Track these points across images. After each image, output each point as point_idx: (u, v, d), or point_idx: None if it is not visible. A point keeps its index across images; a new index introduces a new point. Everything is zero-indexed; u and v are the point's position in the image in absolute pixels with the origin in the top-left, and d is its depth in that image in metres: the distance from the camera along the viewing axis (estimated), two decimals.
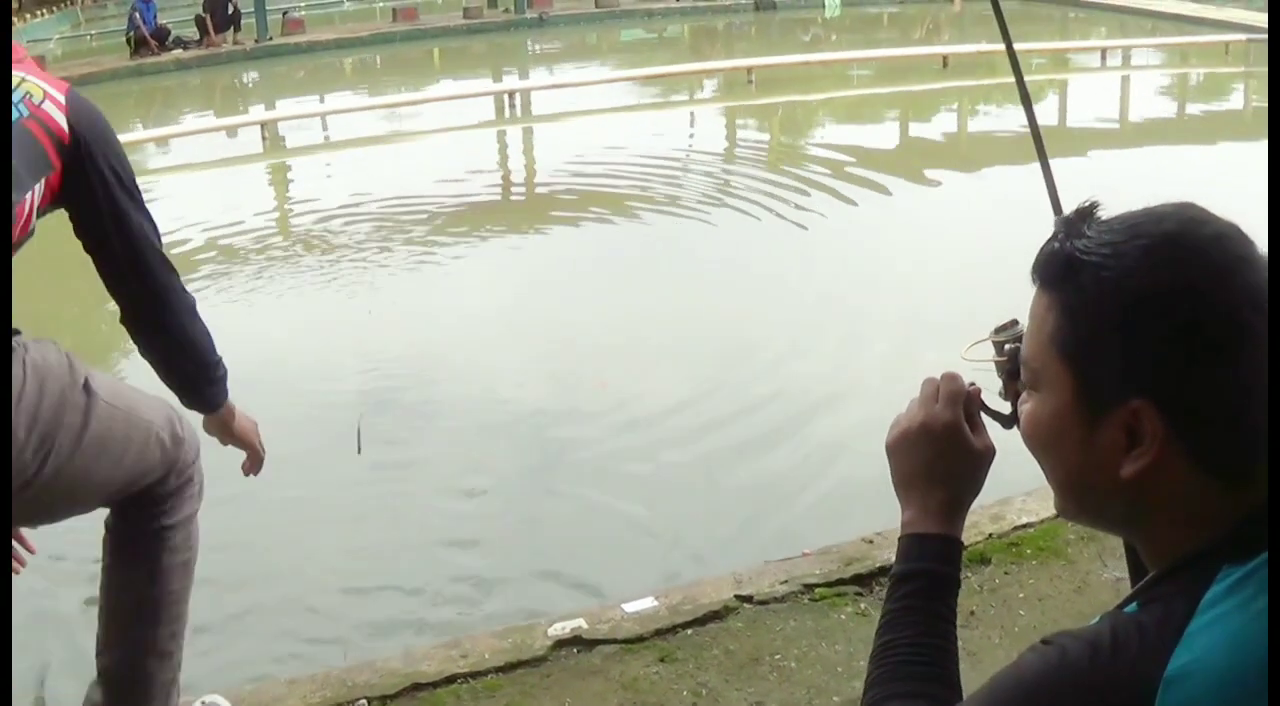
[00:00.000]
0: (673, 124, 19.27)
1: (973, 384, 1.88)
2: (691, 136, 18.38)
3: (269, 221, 13.74)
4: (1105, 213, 1.58)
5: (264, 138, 17.66)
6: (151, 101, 23.54)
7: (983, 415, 1.88)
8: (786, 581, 4.67)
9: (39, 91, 2.95)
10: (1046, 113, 20.03)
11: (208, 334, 3.35)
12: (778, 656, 4.25)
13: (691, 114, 20.32)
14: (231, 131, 18.65)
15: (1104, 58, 24.23)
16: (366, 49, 28.64)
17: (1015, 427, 1.74)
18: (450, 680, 4.16)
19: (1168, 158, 16.04)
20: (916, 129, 18.38)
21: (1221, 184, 12.70)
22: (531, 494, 6.77)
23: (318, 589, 5.76)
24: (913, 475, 1.88)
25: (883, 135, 17.56)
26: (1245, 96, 20.88)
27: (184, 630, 3.52)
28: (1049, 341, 1.56)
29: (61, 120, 2.95)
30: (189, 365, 3.35)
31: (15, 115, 2.87)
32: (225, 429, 3.57)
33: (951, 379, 1.89)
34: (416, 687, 4.14)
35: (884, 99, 20.46)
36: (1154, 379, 1.48)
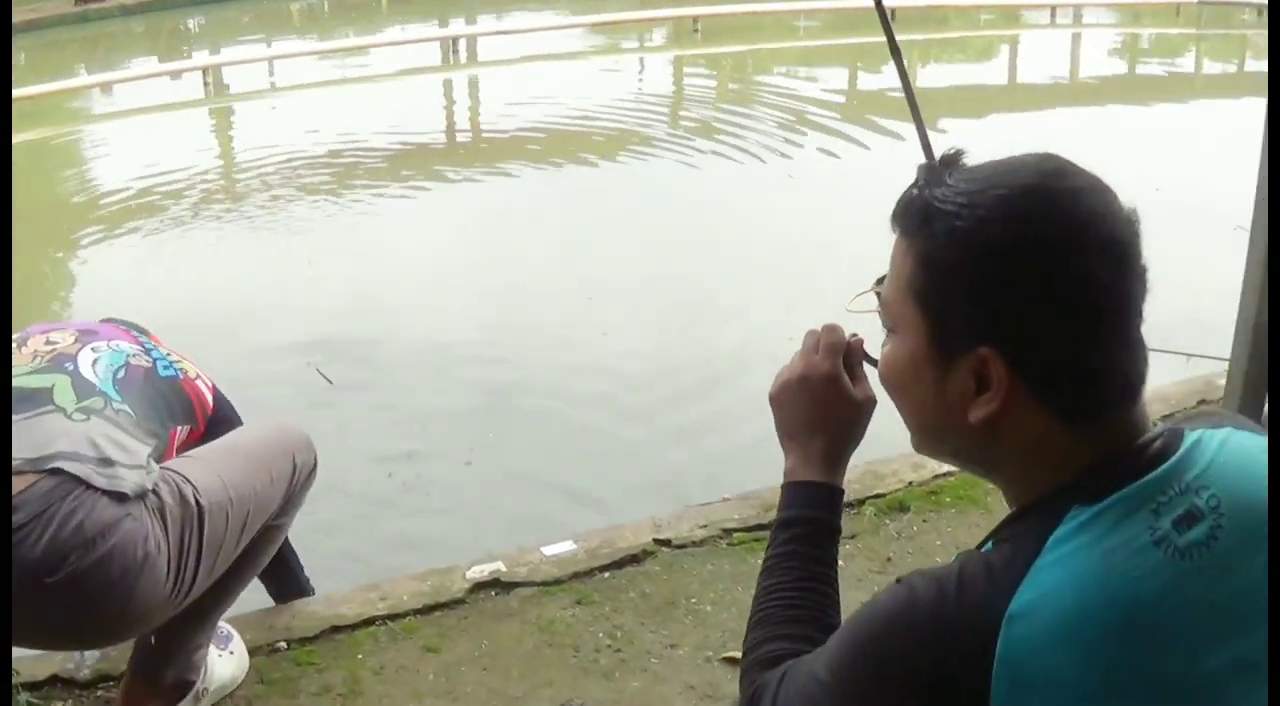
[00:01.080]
0: (620, 71, 19.24)
1: (855, 335, 1.93)
2: (639, 83, 18.35)
3: (211, 167, 13.61)
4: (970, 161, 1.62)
5: (206, 84, 17.50)
6: (95, 47, 23.28)
7: (865, 365, 1.92)
8: (705, 526, 4.69)
9: (193, 370, 3.72)
10: (996, 70, 20.10)
11: None
12: (693, 600, 4.28)
13: (641, 61, 20.29)
14: (175, 76, 18.47)
15: (1054, 15, 24.26)
16: None
17: None
18: (369, 622, 4.18)
19: (1113, 117, 16.09)
20: (864, 81, 18.35)
21: (1163, 144, 12.82)
22: (469, 437, 6.75)
23: None
24: (794, 425, 1.94)
25: (830, 86, 17.56)
26: (1196, 59, 20.98)
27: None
28: (905, 287, 1.60)
29: (209, 399, 3.71)
30: None
31: (172, 373, 3.60)
32: None
33: (831, 330, 1.94)
34: (335, 630, 4.14)
35: (831, 50, 20.36)
36: (1001, 328, 1.52)
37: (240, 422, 3.80)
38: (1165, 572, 1.45)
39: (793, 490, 1.93)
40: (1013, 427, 1.55)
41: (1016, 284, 1.50)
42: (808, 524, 1.90)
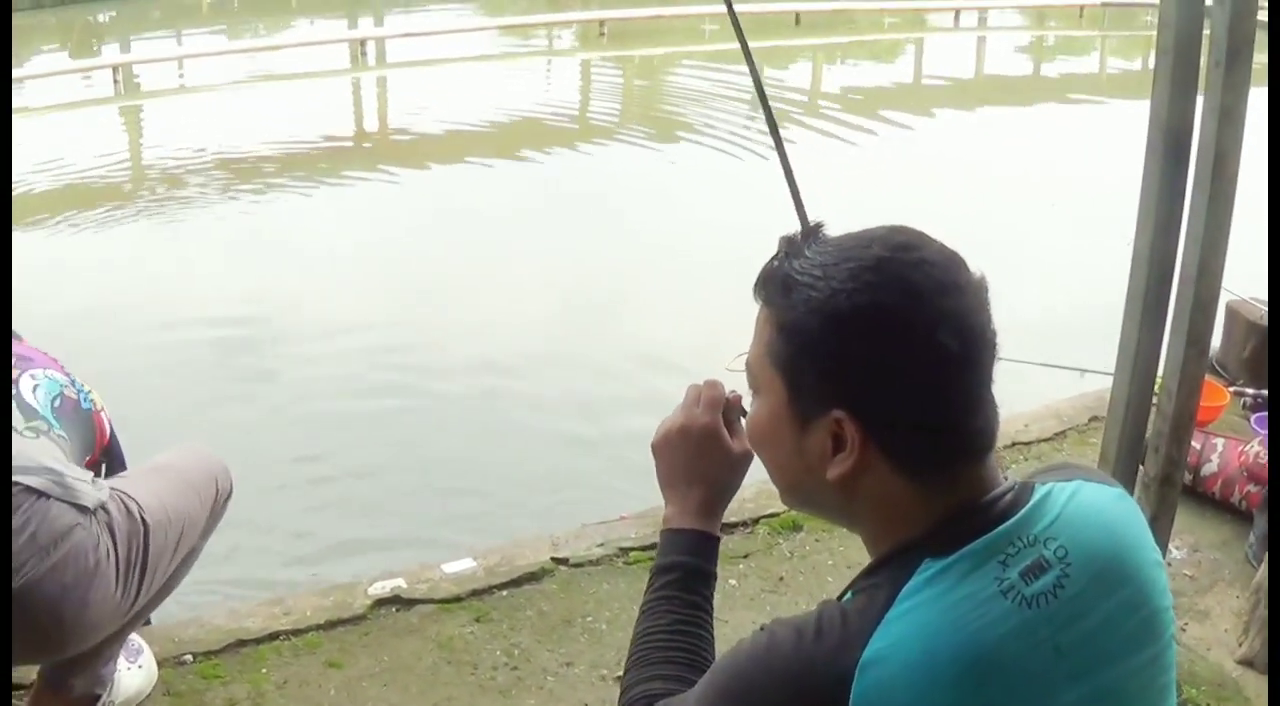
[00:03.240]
0: (528, 73, 19.23)
1: (734, 391, 2.02)
2: (546, 86, 18.38)
3: (120, 165, 13.63)
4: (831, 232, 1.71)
5: (116, 82, 17.34)
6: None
7: (743, 421, 2.01)
8: (602, 544, 4.82)
9: (100, 402, 3.75)
10: (901, 71, 20.28)
11: None
12: (589, 618, 4.40)
13: (548, 63, 20.30)
14: (86, 74, 18.32)
15: (957, 18, 24.49)
16: None
17: None
18: (273, 636, 4.27)
19: (1017, 119, 16.30)
20: (770, 85, 18.48)
21: (1068, 147, 12.99)
22: (371, 445, 6.84)
23: None
24: (673, 475, 2.03)
25: (735, 89, 17.67)
26: (1100, 59, 21.23)
27: None
28: (766, 353, 1.71)
29: (108, 431, 3.76)
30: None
31: (88, 407, 3.65)
32: None
33: (713, 386, 2.04)
34: (240, 643, 4.23)
35: (736, 53, 20.29)
36: (853, 392, 1.63)
37: (123, 456, 3.89)
38: (1011, 620, 1.56)
39: (671, 537, 2.02)
40: (868, 484, 1.66)
41: (866, 351, 1.61)
42: (684, 569, 1.99)
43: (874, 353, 1.61)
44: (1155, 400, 3.89)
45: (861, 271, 1.62)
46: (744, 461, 2.03)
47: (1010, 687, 1.56)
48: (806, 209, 2.88)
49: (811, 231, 1.73)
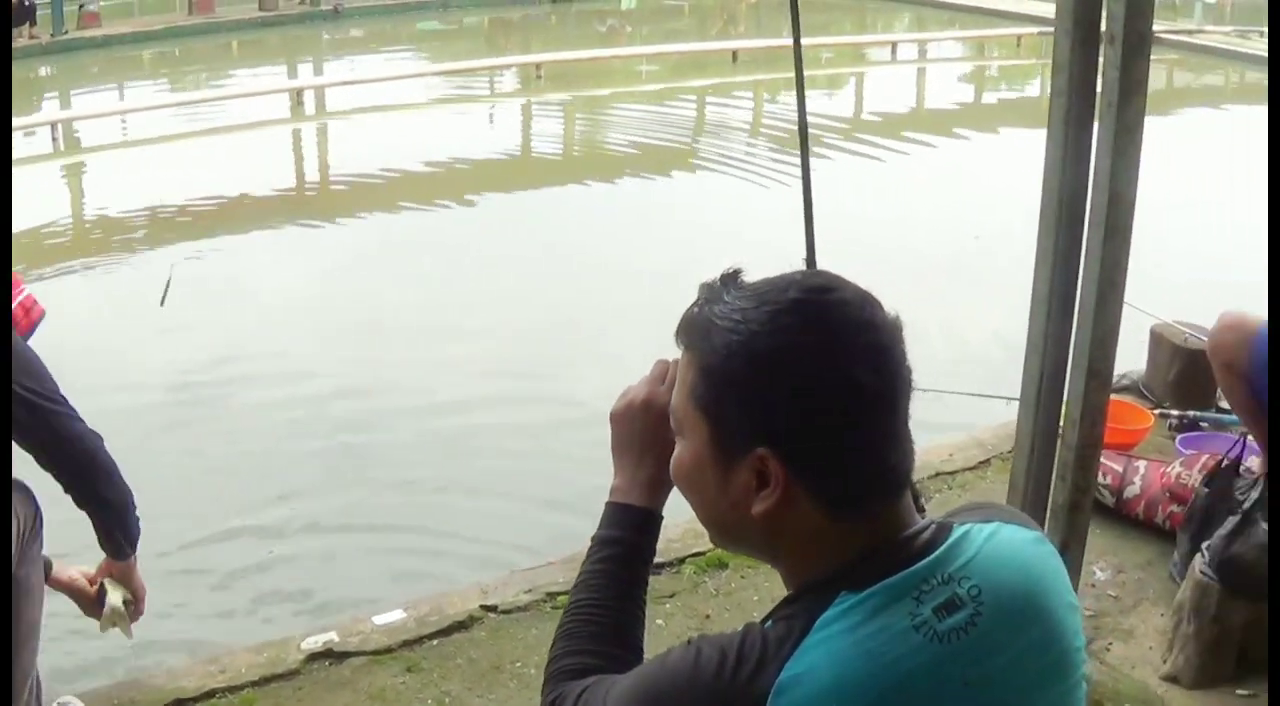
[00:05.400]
0: (467, 118, 19.26)
1: None
2: (488, 129, 18.43)
3: (61, 222, 13.63)
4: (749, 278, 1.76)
5: (54, 140, 17.34)
6: None
7: None
8: (530, 590, 4.85)
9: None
10: (841, 105, 20.42)
11: (124, 490, 3.69)
12: (518, 664, 4.44)
13: (489, 108, 20.32)
14: (29, 130, 18.28)
15: (894, 51, 24.70)
16: (163, 43, 27.91)
17: None
18: (210, 695, 4.29)
19: (956, 149, 16.45)
20: (710, 122, 18.57)
21: (999, 177, 13.11)
22: (302, 497, 6.87)
23: None
24: (628, 445, 2.05)
25: (673, 128, 17.79)
26: (1041, 86, 21.38)
27: None
28: (689, 395, 1.76)
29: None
30: (109, 516, 3.70)
31: None
32: (128, 576, 3.86)
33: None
34: (179, 702, 4.26)
35: (672, 92, 20.59)
36: (775, 430, 1.67)
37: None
38: (922, 654, 1.62)
39: (616, 510, 2.04)
40: (791, 520, 1.70)
41: (786, 389, 1.65)
42: (623, 545, 2.01)
43: (795, 390, 1.65)
44: (1061, 430, 3.95)
45: (780, 313, 1.68)
46: None
47: None
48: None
49: (731, 277, 1.78)
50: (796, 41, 3.12)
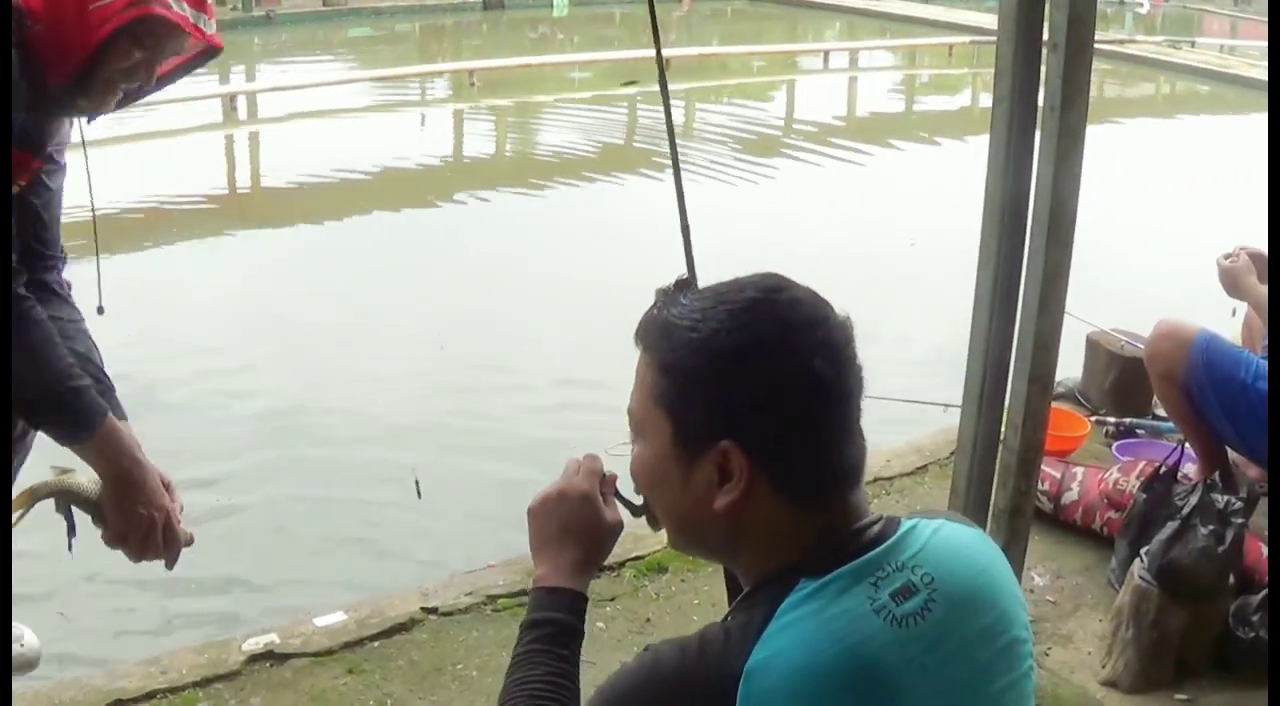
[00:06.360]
0: (401, 125, 19.17)
1: (612, 473, 2.13)
2: (420, 137, 18.39)
3: None
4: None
5: None
6: None
7: (616, 500, 2.12)
8: (471, 593, 4.84)
9: None
10: (774, 113, 20.50)
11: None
12: (459, 666, 4.43)
13: (422, 115, 20.20)
14: None
15: (826, 59, 24.81)
16: None
17: (644, 517, 2.03)
18: (150, 695, 4.25)
19: (889, 156, 16.53)
20: (641, 127, 18.61)
21: (942, 179, 13.19)
22: (247, 495, 6.82)
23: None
24: (548, 536, 2.11)
25: (607, 134, 17.81)
26: (972, 95, 21.52)
27: None
28: (649, 395, 1.82)
29: None
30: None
31: None
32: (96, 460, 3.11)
33: (592, 458, 2.15)
34: (119, 703, 4.22)
35: (606, 98, 20.51)
36: (737, 422, 1.73)
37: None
38: (885, 636, 1.66)
39: (542, 594, 2.08)
40: (752, 512, 1.76)
41: (747, 382, 1.72)
42: (556, 625, 2.04)
43: (755, 383, 1.72)
44: (1002, 435, 3.98)
45: (738, 312, 1.75)
46: (615, 530, 2.12)
47: (888, 699, 1.66)
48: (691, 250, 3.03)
49: (685, 282, 1.86)
50: (658, 53, 3.18)
